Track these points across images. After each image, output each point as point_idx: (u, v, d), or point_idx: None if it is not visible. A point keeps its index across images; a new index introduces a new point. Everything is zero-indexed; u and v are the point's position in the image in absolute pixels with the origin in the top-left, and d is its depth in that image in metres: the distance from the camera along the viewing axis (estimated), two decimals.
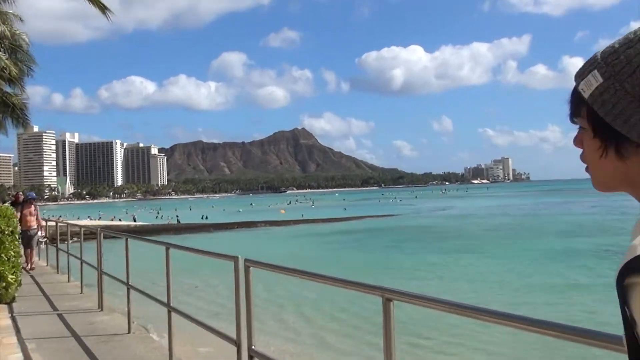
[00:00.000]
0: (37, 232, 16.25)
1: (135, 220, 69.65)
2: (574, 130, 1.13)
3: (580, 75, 1.08)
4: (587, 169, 1.09)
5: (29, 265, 15.39)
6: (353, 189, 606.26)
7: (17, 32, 31.82)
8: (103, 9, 19.11)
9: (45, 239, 17.35)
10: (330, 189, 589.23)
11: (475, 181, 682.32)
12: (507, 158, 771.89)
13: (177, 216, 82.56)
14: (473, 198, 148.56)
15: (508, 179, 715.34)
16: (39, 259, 17.37)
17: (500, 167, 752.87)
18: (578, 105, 1.08)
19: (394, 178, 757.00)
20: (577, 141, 1.10)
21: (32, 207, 16.37)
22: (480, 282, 20.45)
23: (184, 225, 55.74)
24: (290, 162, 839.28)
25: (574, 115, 1.11)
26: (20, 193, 17.36)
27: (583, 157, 1.09)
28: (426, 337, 11.58)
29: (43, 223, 17.30)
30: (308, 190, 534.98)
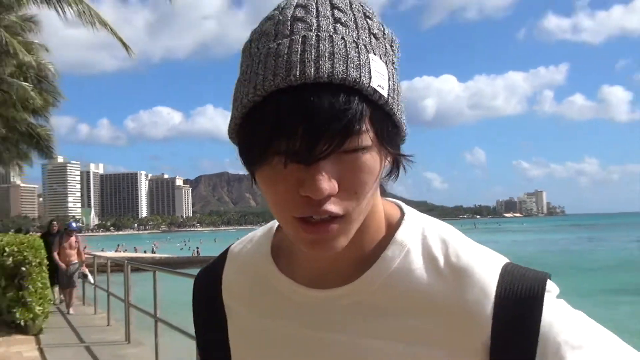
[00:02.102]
0: (78, 268, 14.24)
1: (153, 252, 71.40)
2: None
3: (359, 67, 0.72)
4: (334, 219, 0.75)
5: (68, 309, 13.65)
6: None
7: (43, 62, 32.58)
8: (125, 45, 19.55)
9: (87, 276, 14.98)
10: None
11: (507, 215, 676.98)
12: (542, 191, 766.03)
13: (197, 248, 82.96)
14: (509, 233, 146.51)
15: (542, 213, 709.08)
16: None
17: (534, 200, 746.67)
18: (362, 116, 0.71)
19: (423, 211, 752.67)
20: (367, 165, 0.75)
21: (73, 239, 14.37)
22: None
23: (208, 258, 56.10)
24: None
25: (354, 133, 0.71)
26: (55, 223, 15.54)
27: (330, 189, 0.72)
28: None
29: (85, 257, 15.17)
30: None
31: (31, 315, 10.98)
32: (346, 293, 0.86)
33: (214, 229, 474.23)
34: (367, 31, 0.78)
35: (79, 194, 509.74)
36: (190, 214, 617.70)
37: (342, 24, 0.76)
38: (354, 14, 0.78)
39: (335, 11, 0.77)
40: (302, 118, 0.69)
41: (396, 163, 0.83)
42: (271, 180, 0.75)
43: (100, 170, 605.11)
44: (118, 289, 11.44)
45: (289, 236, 0.81)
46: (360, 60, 0.72)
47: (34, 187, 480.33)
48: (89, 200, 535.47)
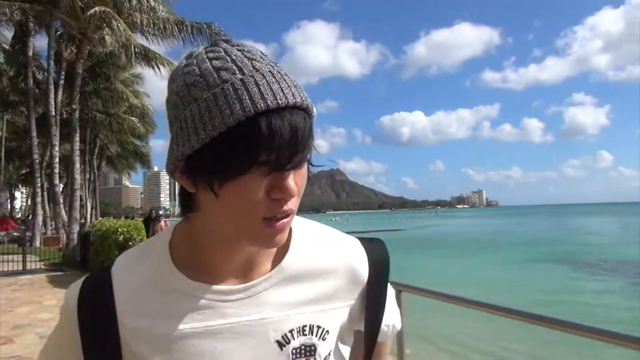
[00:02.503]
0: None
1: None
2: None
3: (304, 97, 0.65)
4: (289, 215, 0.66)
5: None
6: (371, 211, 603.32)
7: (145, 104, 32.84)
8: None
9: None
10: (355, 211, 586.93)
11: (459, 206, 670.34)
12: (482, 190, 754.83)
13: None
14: (460, 218, 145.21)
15: (482, 205, 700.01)
16: None
17: (477, 196, 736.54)
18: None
19: (400, 203, 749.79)
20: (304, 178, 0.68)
21: (163, 223, 13.54)
22: (470, 277, 19.95)
23: None
24: (328, 192, 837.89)
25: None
26: (153, 211, 14.38)
27: (297, 191, 0.65)
28: (431, 325, 11.25)
29: None
30: (340, 211, 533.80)
31: None
32: (270, 279, 0.73)
33: None
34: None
35: (168, 192, 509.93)
36: None
37: (275, 64, 0.65)
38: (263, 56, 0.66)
39: (260, 53, 0.67)
40: (291, 134, 0.61)
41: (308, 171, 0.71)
42: (247, 188, 0.62)
43: None
44: None
45: (249, 237, 0.66)
46: (302, 89, 0.66)
47: (138, 187, 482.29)
48: (175, 195, 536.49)
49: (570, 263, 23.93)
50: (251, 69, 0.63)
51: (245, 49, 0.65)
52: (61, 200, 17.25)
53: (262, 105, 0.60)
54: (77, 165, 17.41)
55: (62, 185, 18.52)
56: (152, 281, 0.70)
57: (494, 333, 10.32)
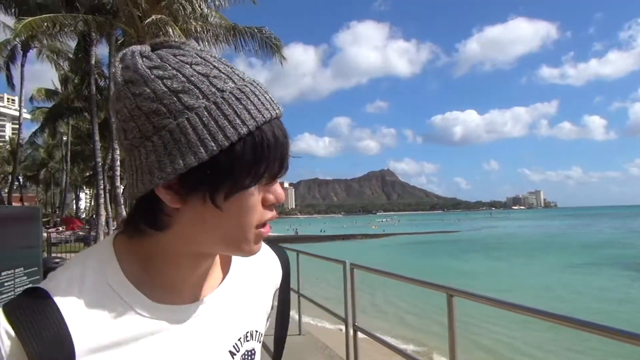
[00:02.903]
0: None
1: (296, 233, 67.58)
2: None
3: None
4: None
5: None
6: (423, 212, 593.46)
7: None
8: None
9: None
10: (406, 212, 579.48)
11: (515, 207, 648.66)
12: (539, 191, 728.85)
13: (295, 229, 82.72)
14: (516, 220, 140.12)
15: (540, 206, 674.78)
16: None
17: (534, 197, 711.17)
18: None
19: (453, 204, 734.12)
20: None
21: None
22: (527, 283, 19.28)
23: (305, 236, 56.25)
24: (379, 193, 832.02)
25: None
26: None
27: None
28: (483, 329, 11.01)
29: None
30: (391, 212, 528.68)
31: None
32: (220, 292, 0.71)
33: (308, 216, 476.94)
34: None
35: None
36: (294, 206, 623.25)
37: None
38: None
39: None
40: (286, 142, 0.60)
41: None
42: (250, 198, 0.59)
43: None
44: None
45: (238, 246, 0.63)
46: None
47: None
48: None
49: (634, 269, 22.62)
50: (239, 78, 0.60)
51: (213, 54, 0.62)
52: (122, 201, 17.98)
53: (267, 115, 0.58)
54: None
55: (123, 187, 19.28)
56: (108, 307, 0.60)
57: (555, 344, 9.93)
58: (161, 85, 0.56)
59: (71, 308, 0.58)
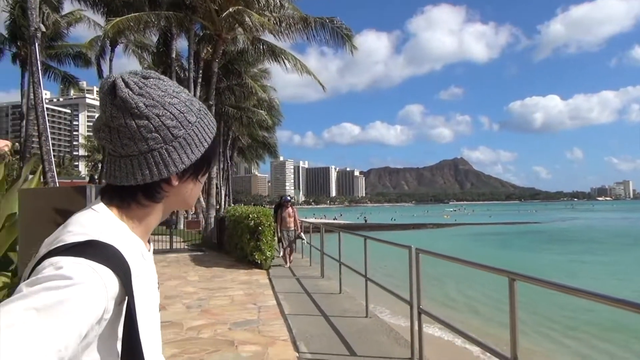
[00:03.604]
0: (295, 234, 12.17)
1: (365, 221, 67.72)
2: None
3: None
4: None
5: (286, 263, 11.83)
6: (498, 202, 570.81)
7: (272, 97, 34.52)
8: (322, 85, 20.42)
9: (303, 240, 12.46)
10: (480, 202, 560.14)
11: (599, 198, 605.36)
12: (628, 181, 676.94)
13: (364, 217, 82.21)
14: (601, 212, 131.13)
15: (629, 197, 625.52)
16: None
17: (622, 187, 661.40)
18: None
19: (531, 195, 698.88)
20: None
21: (290, 210, 12.35)
22: (605, 277, 18.32)
23: (375, 224, 55.94)
24: (451, 182, 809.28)
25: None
26: (283, 197, 13.17)
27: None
28: (544, 314, 10.79)
29: (299, 223, 12.53)
30: (464, 202, 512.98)
31: (264, 257, 11.50)
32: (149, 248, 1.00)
33: (378, 205, 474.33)
34: None
35: (292, 181, 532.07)
36: (364, 195, 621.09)
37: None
38: None
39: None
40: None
41: None
42: (204, 178, 0.98)
43: (306, 165, 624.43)
44: (316, 243, 11.40)
45: (191, 203, 0.98)
46: None
47: (265, 176, 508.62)
48: (299, 184, 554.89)
49: None
50: (197, 109, 0.94)
51: (177, 88, 0.92)
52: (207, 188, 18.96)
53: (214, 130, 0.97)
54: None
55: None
56: (133, 248, 0.86)
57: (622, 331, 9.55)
58: (174, 106, 0.89)
59: (121, 249, 0.79)
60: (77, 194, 2.78)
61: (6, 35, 27.28)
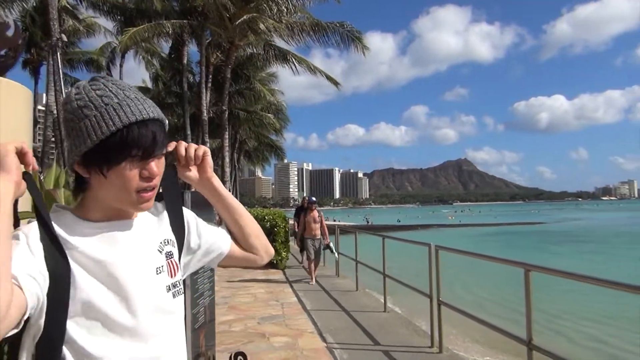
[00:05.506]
0: (322, 243, 10.26)
1: (367, 222, 67.55)
2: None
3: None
4: (153, 189, 0.98)
5: (311, 277, 9.89)
6: (502, 202, 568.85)
7: (280, 100, 34.97)
8: (336, 83, 20.77)
9: (333, 252, 10.47)
10: (484, 202, 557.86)
11: (604, 198, 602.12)
12: (633, 180, 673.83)
13: (367, 218, 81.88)
14: (606, 212, 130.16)
15: (634, 196, 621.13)
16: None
17: (627, 187, 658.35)
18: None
19: (535, 195, 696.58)
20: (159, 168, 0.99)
21: (316, 214, 10.28)
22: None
23: (381, 226, 55.82)
24: (455, 183, 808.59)
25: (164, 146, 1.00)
26: (306, 197, 11.30)
27: (158, 172, 0.98)
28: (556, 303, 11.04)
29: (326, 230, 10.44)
30: (468, 202, 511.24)
31: (279, 257, 11.82)
32: (137, 219, 1.06)
33: (382, 206, 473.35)
34: None
35: (296, 183, 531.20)
36: (367, 196, 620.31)
37: (138, 92, 0.98)
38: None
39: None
40: (152, 136, 0.94)
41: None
42: (125, 171, 0.92)
43: (310, 167, 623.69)
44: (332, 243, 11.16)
45: (126, 204, 0.97)
46: (158, 108, 0.99)
47: (269, 179, 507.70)
48: (303, 186, 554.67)
49: None
50: (123, 95, 0.94)
51: (117, 83, 0.96)
52: None
53: (133, 118, 0.92)
54: (227, 159, 19.52)
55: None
56: (69, 221, 0.96)
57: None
58: (74, 104, 0.94)
59: (55, 222, 0.93)
60: None
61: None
